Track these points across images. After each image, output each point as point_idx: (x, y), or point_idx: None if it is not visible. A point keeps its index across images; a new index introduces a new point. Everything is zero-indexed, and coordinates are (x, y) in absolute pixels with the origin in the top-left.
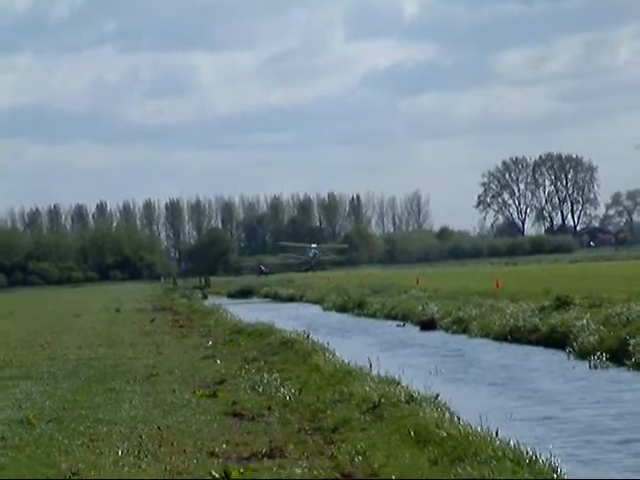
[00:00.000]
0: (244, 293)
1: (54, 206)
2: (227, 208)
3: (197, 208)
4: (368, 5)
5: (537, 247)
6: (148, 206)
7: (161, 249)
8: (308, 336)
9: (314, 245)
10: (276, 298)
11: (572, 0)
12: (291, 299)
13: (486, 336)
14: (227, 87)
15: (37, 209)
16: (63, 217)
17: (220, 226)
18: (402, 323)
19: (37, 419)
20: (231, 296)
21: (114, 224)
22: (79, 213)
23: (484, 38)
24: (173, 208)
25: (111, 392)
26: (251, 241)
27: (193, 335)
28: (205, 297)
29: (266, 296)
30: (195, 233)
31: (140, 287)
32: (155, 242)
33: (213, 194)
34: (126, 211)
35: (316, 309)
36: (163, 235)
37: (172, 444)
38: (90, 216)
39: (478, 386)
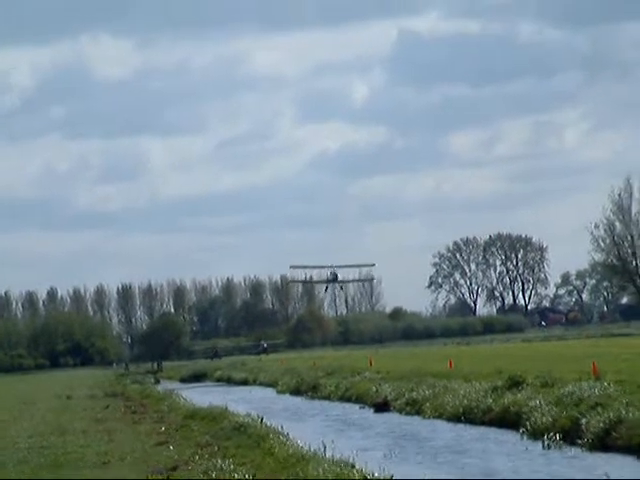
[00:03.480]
0: (197, 377)
1: (5, 293)
2: (179, 292)
3: (149, 292)
4: (317, 89)
5: (489, 327)
6: (99, 291)
7: (113, 334)
8: (262, 420)
9: (335, 264)
10: (229, 381)
11: (519, 83)
12: (244, 382)
13: (440, 417)
14: (178, 171)
15: None
16: (14, 304)
17: (172, 310)
18: (363, 405)
19: None
20: (184, 380)
21: (65, 310)
22: (30, 300)
23: (434, 120)
24: (125, 293)
25: None
26: (204, 325)
27: (146, 421)
28: (157, 382)
29: (219, 380)
30: (147, 318)
31: (92, 373)
32: (106, 327)
33: (165, 278)
34: (77, 297)
35: (270, 392)
36: (115, 320)
37: None
38: (41, 303)
39: (432, 467)
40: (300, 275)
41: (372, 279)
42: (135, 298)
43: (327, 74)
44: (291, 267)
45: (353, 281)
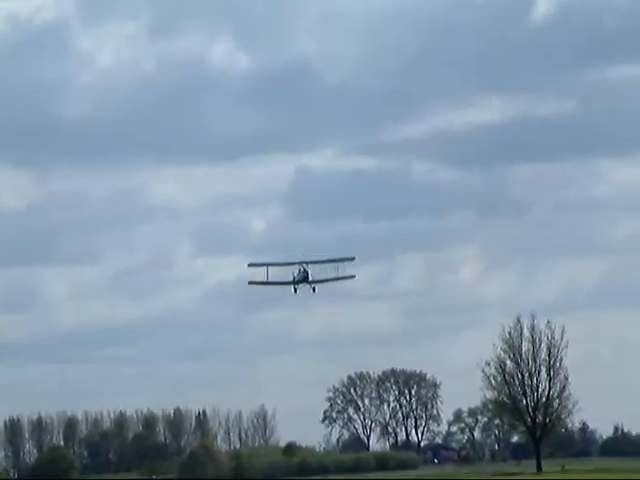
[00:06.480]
0: None
1: None
2: (70, 424)
3: (38, 425)
4: (215, 222)
5: (382, 463)
6: None
7: None
8: None
9: (304, 260)
10: None
11: (413, 220)
12: None
13: None
14: (74, 302)
15: None
16: None
17: (62, 443)
18: None
19: None
20: None
21: None
22: None
23: (330, 254)
24: (12, 426)
25: None
26: (94, 458)
27: None
28: None
29: None
30: (36, 451)
31: None
32: None
33: (55, 410)
34: None
35: None
36: (1, 455)
37: None
38: None
39: None
40: (261, 275)
41: (352, 277)
42: (24, 431)
43: (225, 207)
44: (249, 265)
45: (327, 280)
